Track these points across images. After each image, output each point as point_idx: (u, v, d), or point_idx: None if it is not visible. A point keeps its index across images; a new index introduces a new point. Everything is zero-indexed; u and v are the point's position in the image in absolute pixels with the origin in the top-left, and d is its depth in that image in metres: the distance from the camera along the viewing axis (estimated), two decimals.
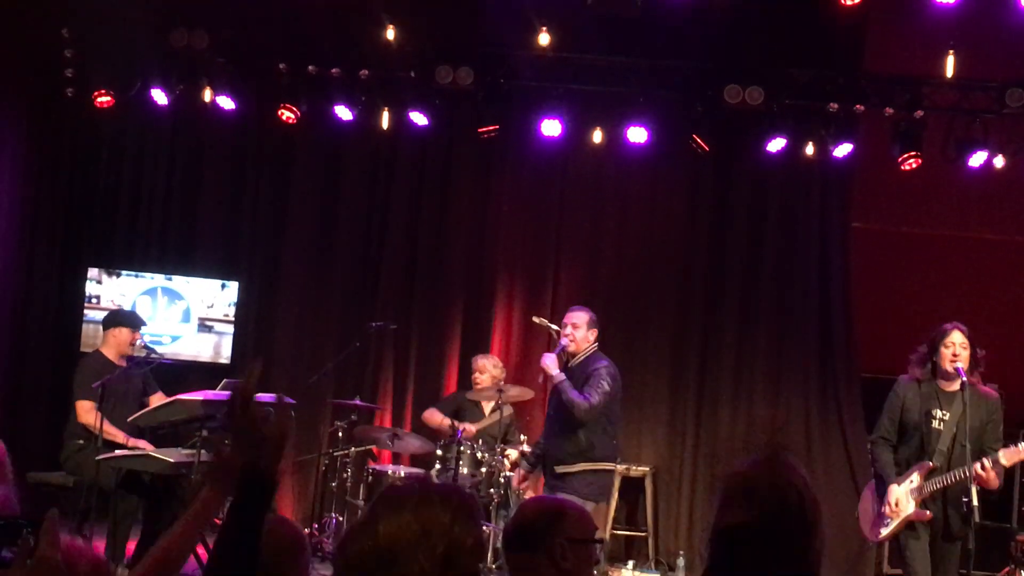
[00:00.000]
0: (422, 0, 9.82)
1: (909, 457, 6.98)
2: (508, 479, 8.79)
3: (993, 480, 6.68)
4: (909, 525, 6.89)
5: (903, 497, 6.84)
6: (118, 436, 8.00)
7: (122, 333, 8.47)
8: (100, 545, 7.78)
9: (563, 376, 7.63)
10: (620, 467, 9.98)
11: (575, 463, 7.58)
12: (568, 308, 8.16)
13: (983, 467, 6.60)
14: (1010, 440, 7.06)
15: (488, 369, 9.50)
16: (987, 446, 6.82)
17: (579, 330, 7.74)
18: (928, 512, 6.81)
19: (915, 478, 6.86)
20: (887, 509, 6.90)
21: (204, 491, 2.88)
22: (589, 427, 7.57)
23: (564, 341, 7.75)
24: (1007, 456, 6.68)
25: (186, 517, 2.94)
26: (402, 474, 9.15)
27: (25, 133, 10.09)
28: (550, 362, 7.74)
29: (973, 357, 6.83)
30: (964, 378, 6.70)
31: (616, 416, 7.85)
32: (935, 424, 6.88)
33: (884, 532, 6.99)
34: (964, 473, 6.64)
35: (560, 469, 7.62)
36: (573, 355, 7.78)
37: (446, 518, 2.29)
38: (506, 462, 8.86)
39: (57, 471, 8.33)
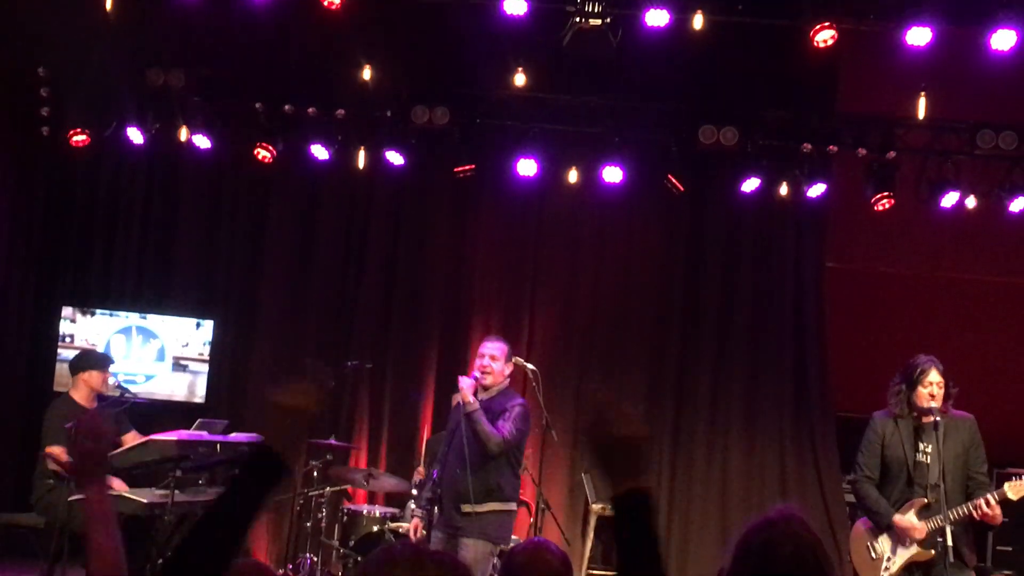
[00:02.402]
0: (398, 40, 9.84)
1: (897, 495, 6.91)
2: None
3: (999, 516, 6.66)
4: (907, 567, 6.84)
5: (910, 523, 6.77)
6: None
7: (92, 376, 8.41)
8: None
9: (478, 406, 7.24)
10: (596, 507, 9.98)
11: (484, 502, 7.18)
12: (486, 338, 7.71)
13: (988, 503, 6.57)
14: (989, 476, 7.06)
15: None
16: (974, 471, 6.80)
17: (497, 362, 7.41)
18: (931, 551, 6.72)
19: (911, 516, 6.81)
20: (901, 543, 6.81)
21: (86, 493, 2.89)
22: (499, 465, 7.23)
23: (477, 373, 7.37)
24: (1014, 490, 6.63)
25: (89, 529, 2.96)
26: (377, 514, 9.10)
27: None
28: (467, 387, 7.28)
29: (947, 391, 6.83)
30: (936, 417, 6.70)
31: (522, 456, 7.59)
32: (920, 457, 6.84)
33: (887, 575, 6.89)
34: (964, 511, 6.62)
35: (467, 508, 7.15)
36: (486, 388, 7.40)
37: None
38: None
39: (27, 512, 8.25)
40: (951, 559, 6.50)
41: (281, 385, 2.63)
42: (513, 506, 7.45)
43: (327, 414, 10.29)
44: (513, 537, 9.24)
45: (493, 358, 7.41)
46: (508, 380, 7.57)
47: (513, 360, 8.62)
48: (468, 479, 7.12)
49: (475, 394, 7.30)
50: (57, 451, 8.00)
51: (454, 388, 7.72)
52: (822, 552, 2.84)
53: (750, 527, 2.90)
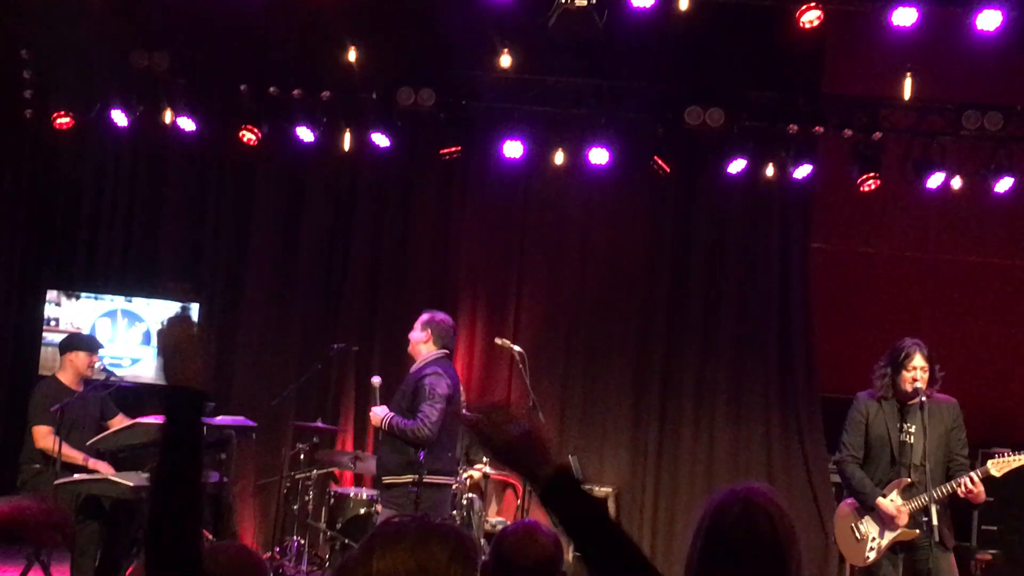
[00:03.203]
0: (384, 22, 9.81)
1: (881, 475, 6.95)
2: (471, 500, 8.77)
3: (982, 494, 6.70)
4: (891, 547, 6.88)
5: (894, 508, 6.81)
6: (77, 458, 7.92)
7: (79, 357, 8.39)
8: (63, 572, 7.71)
9: (389, 415, 7.47)
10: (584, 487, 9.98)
11: (403, 474, 7.39)
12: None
13: (972, 481, 6.61)
14: (972, 458, 7.09)
15: None
16: (955, 453, 6.86)
17: (413, 332, 7.67)
18: (916, 531, 6.78)
19: (894, 496, 6.85)
20: (886, 524, 6.84)
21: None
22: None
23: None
24: (997, 467, 6.68)
25: None
26: (364, 496, 9.11)
27: None
28: (378, 411, 7.58)
29: (932, 375, 6.86)
30: (922, 398, 6.74)
31: (452, 428, 7.63)
32: (905, 438, 6.88)
33: (872, 556, 6.93)
34: (948, 489, 6.66)
35: (388, 480, 7.45)
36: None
37: (443, 557, 2.27)
38: (468, 483, 8.84)
39: (14, 496, 8.23)
40: (936, 538, 6.55)
41: (162, 326, 2.72)
42: (438, 479, 7.54)
43: (312, 400, 10.30)
44: (500, 519, 9.30)
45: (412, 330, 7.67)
46: (431, 344, 7.69)
47: (498, 342, 8.64)
48: (390, 453, 7.49)
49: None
50: (42, 431, 7.99)
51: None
52: (779, 518, 2.82)
53: (709, 503, 2.91)
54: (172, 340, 2.68)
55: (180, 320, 2.74)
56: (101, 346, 8.78)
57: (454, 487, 8.12)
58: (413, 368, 7.69)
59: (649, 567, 2.55)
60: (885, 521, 6.86)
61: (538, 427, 2.61)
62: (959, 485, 6.64)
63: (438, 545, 2.27)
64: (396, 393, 7.72)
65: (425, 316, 7.77)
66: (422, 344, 7.69)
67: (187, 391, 2.64)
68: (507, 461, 2.56)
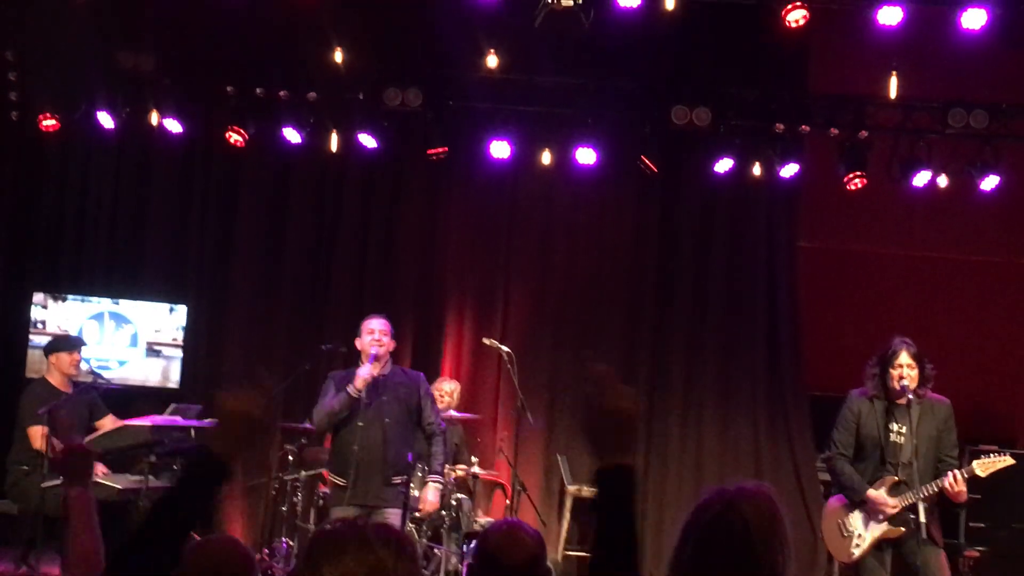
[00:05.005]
0: (370, 22, 9.79)
1: (871, 473, 6.97)
2: (460, 501, 8.77)
3: (964, 494, 6.72)
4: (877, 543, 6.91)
5: (883, 497, 6.83)
6: None
7: (61, 358, 8.39)
8: (53, 572, 7.70)
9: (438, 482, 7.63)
10: (571, 488, 10.02)
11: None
12: (374, 316, 7.74)
13: (955, 480, 6.64)
14: (960, 456, 7.12)
15: (452, 394, 9.60)
16: (944, 454, 6.88)
17: (386, 336, 7.57)
18: (902, 528, 6.81)
19: (882, 492, 6.88)
20: (873, 519, 6.85)
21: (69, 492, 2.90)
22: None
23: (378, 349, 7.44)
24: (982, 467, 6.73)
25: (71, 527, 2.99)
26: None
27: None
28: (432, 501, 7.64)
29: (922, 373, 6.88)
30: (910, 396, 6.76)
31: None
32: (894, 437, 6.90)
33: (858, 552, 6.95)
34: (935, 487, 6.68)
35: (397, 480, 7.37)
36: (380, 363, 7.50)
37: (389, 560, 2.27)
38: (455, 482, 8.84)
39: (0, 499, 8.21)
40: (924, 535, 6.57)
41: (230, 390, 2.62)
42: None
43: (274, 423, 10.25)
44: (488, 519, 9.29)
45: (384, 333, 7.55)
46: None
47: (486, 342, 8.63)
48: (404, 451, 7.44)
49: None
50: (37, 431, 7.97)
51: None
52: (757, 522, 2.83)
53: (699, 503, 2.92)
54: (242, 408, 2.64)
55: (262, 397, 2.69)
56: (83, 344, 8.77)
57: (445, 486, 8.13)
58: (386, 369, 7.55)
59: None
60: (872, 516, 6.89)
61: (638, 415, 2.64)
62: (943, 482, 6.67)
63: (381, 548, 2.27)
64: (399, 388, 7.58)
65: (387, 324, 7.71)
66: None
67: (220, 462, 2.62)
68: (595, 426, 2.57)
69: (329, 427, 7.44)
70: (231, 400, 2.66)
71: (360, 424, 7.25)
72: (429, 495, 7.60)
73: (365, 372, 7.31)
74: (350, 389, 7.27)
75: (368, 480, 7.28)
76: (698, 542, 2.82)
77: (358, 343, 7.56)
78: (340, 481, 7.32)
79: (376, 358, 7.35)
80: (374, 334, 7.48)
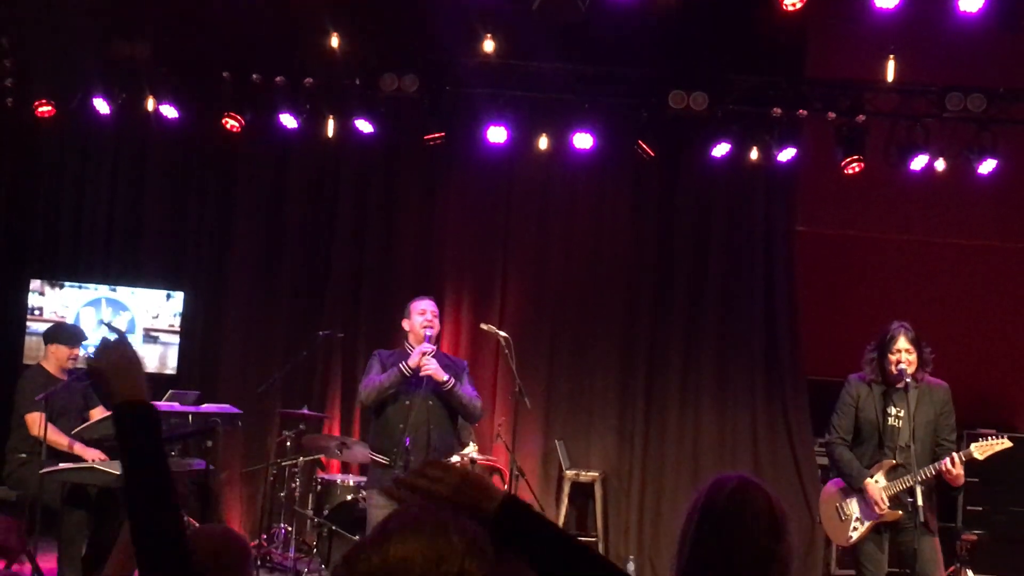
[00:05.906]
0: (366, 8, 9.77)
1: (869, 457, 6.97)
2: None
3: (961, 477, 6.73)
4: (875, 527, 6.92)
5: (879, 494, 6.84)
6: (63, 443, 7.92)
7: (60, 350, 8.36)
8: (50, 561, 7.70)
9: (453, 379, 7.30)
10: (569, 473, 10.04)
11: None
12: (422, 296, 7.65)
13: (953, 463, 6.64)
14: (958, 440, 7.12)
15: None
16: (941, 438, 6.88)
17: (436, 317, 7.49)
18: (899, 512, 6.81)
19: (879, 477, 6.88)
20: (873, 506, 6.86)
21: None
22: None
23: (428, 332, 7.31)
24: (980, 450, 6.73)
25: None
26: (351, 483, 9.11)
27: None
28: (436, 367, 7.25)
29: (920, 357, 6.88)
30: (908, 380, 6.76)
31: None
32: (892, 421, 6.90)
33: (855, 536, 6.97)
34: (933, 470, 6.69)
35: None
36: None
37: (460, 548, 2.25)
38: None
39: None
40: (921, 518, 6.57)
41: (94, 355, 2.74)
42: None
43: (298, 387, 10.28)
44: None
45: (435, 314, 7.48)
46: None
47: (484, 327, 8.62)
48: (453, 433, 7.50)
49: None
50: (34, 418, 7.96)
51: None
52: (776, 520, 2.83)
53: (702, 491, 2.92)
54: (112, 363, 2.69)
55: (116, 344, 2.75)
56: (85, 338, 8.75)
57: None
58: (441, 354, 7.50)
59: (615, 570, 2.54)
60: (869, 504, 6.90)
61: (469, 470, 2.62)
62: (941, 465, 6.68)
63: (456, 536, 2.25)
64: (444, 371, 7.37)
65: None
66: None
67: (136, 405, 2.65)
68: (456, 506, 2.53)
69: (376, 402, 7.32)
70: (106, 356, 2.70)
71: (407, 403, 7.22)
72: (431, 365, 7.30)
73: (428, 348, 7.22)
74: (403, 366, 7.19)
75: (413, 459, 7.16)
76: (717, 520, 2.81)
77: (406, 324, 7.50)
78: (382, 459, 7.23)
79: (430, 339, 7.28)
80: (426, 315, 7.41)
